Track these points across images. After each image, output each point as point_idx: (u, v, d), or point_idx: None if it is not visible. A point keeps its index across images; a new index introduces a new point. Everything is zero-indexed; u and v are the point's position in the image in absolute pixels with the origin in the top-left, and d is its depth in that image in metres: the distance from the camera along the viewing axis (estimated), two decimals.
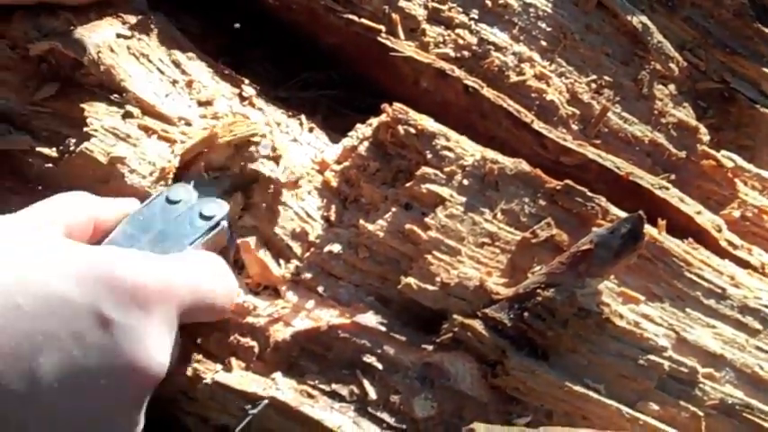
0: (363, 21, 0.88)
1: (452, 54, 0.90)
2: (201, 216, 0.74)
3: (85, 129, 0.79)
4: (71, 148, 0.79)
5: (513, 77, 0.90)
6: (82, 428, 0.62)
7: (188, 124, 0.82)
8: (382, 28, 0.88)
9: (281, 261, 0.79)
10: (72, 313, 0.60)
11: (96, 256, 0.64)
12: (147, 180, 0.78)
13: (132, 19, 0.86)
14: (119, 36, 0.84)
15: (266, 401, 0.72)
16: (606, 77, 0.94)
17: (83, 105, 0.80)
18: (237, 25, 0.93)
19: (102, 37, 0.83)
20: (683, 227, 0.87)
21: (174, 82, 0.85)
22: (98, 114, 0.80)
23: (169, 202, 0.75)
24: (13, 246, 0.63)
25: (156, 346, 0.63)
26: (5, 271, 0.60)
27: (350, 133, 0.86)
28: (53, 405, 0.59)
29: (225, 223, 0.75)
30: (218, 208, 0.75)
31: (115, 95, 0.82)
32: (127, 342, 0.61)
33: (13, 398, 0.58)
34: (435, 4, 0.90)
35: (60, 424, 0.60)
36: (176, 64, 0.86)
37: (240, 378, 0.74)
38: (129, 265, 0.64)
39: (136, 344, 0.62)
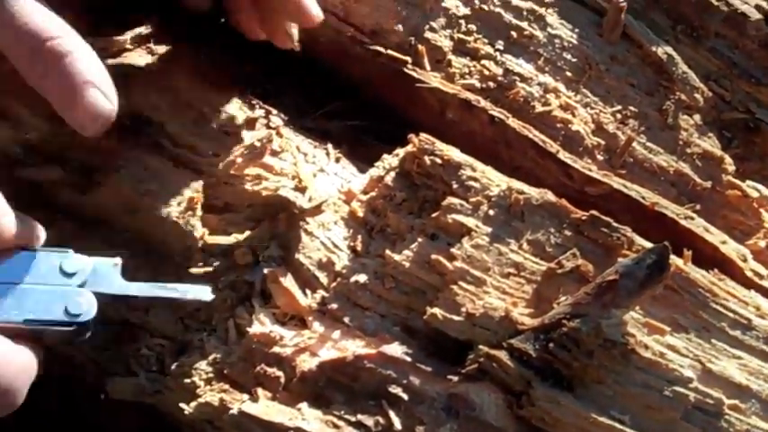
0: (389, 52, 0.88)
1: (478, 85, 0.90)
2: (66, 311, 0.65)
3: (114, 160, 0.80)
4: (100, 180, 0.80)
5: (539, 108, 0.91)
6: None
7: (216, 155, 0.83)
8: (408, 59, 0.89)
9: (308, 291, 0.80)
10: None
11: None
12: (175, 211, 0.79)
13: (161, 50, 0.87)
14: None
15: None
16: (631, 108, 0.94)
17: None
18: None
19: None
20: (708, 257, 0.87)
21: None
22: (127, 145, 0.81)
23: (63, 273, 0.67)
24: None
25: None
26: None
27: (376, 163, 0.86)
28: None
29: (74, 328, 0.65)
30: (88, 307, 0.66)
31: (144, 126, 0.82)
32: None
33: None
34: (461, 36, 0.91)
35: None
36: None
37: (266, 408, 0.74)
38: None
39: None
